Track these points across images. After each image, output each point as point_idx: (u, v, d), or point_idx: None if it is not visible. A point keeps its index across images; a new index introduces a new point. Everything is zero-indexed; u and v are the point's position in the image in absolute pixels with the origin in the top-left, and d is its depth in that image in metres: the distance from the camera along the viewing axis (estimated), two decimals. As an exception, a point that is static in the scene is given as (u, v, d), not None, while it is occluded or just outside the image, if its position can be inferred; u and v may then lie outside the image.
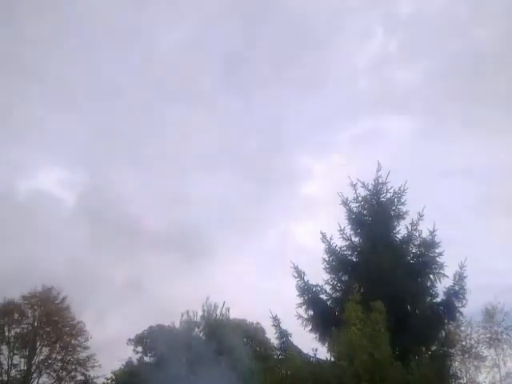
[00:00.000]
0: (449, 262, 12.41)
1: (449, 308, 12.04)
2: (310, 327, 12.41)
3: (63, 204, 51.66)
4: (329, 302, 12.65)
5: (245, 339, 22.66)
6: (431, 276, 12.33)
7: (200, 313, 27.62)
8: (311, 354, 11.29)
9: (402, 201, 12.70)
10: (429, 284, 12.40)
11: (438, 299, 12.32)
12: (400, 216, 12.68)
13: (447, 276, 12.23)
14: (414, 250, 12.61)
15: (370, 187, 12.90)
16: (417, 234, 12.50)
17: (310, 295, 12.61)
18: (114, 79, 44.10)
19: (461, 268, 12.05)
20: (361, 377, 8.90)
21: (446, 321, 12.25)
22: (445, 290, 12.19)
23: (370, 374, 9.01)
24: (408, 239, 12.54)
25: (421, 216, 12.52)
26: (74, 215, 46.34)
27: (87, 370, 33.07)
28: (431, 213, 12.93)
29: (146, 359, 29.38)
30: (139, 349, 30.70)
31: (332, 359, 10.50)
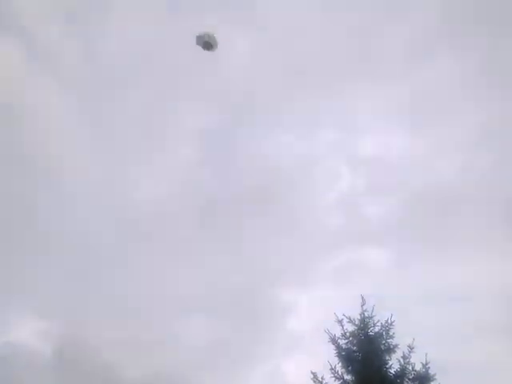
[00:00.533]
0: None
1: None
2: None
3: (39, 355, 49.43)
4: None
5: None
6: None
7: None
8: None
9: (391, 334, 12.62)
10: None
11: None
12: (391, 350, 12.51)
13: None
14: (409, 385, 12.33)
15: (357, 322, 12.86)
16: (410, 368, 12.24)
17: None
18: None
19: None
20: None
21: None
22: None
23: None
24: (402, 373, 12.24)
25: (411, 348, 12.38)
26: (50, 366, 44.15)
27: None
28: (422, 340, 12.91)
29: None
30: None
31: None
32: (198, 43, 11.39)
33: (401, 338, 12.69)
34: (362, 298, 13.11)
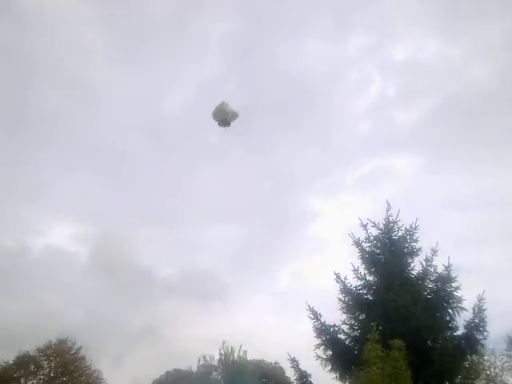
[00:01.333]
0: (467, 292, 12.48)
1: (470, 341, 12.00)
2: (330, 367, 12.37)
3: (77, 257, 52.67)
4: (347, 342, 12.64)
5: (264, 380, 22.39)
6: (449, 310, 12.32)
7: (217, 357, 27.62)
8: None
9: (415, 238, 12.85)
10: (448, 318, 12.37)
11: (459, 332, 12.29)
12: (414, 253, 12.80)
13: (466, 309, 12.24)
14: (430, 286, 12.65)
15: (381, 226, 13.10)
16: (432, 270, 12.60)
17: (327, 336, 12.64)
18: (124, 139, 45.32)
19: (479, 301, 12.05)
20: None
21: (468, 353, 12.11)
22: (465, 324, 12.17)
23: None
24: (423, 275, 12.62)
25: (434, 252, 12.65)
26: (88, 268, 47.12)
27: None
28: (445, 245, 13.14)
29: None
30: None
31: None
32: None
33: (424, 242, 12.96)
34: (388, 203, 13.21)
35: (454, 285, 12.30)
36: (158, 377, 30.81)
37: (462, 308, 12.27)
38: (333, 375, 12.42)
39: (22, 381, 32.61)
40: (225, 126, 16.21)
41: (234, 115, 16.06)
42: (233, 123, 15.98)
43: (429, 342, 12.05)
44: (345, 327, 12.80)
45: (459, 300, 12.26)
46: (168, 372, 29.23)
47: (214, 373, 27.90)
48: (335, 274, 13.05)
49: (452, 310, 12.32)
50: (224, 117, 15.83)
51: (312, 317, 12.73)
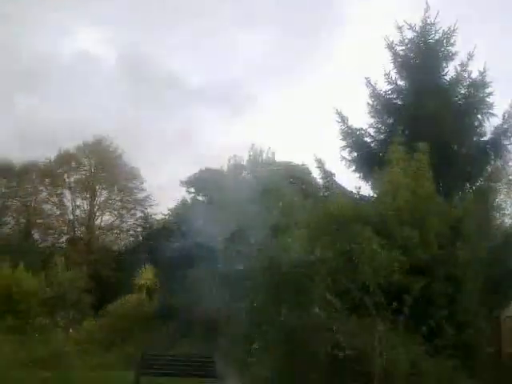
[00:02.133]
0: (500, 98, 12.36)
1: (496, 146, 12.18)
2: (354, 168, 12.97)
3: (108, 62, 52.09)
4: (372, 145, 12.99)
5: (291, 179, 23.71)
6: (479, 116, 12.28)
7: (246, 157, 28.91)
8: (355, 192, 11.97)
9: (452, 41, 12.20)
10: (476, 124, 12.39)
11: (486, 138, 12.43)
12: (449, 57, 12.31)
13: (496, 115, 12.20)
14: (462, 91, 12.42)
15: (418, 29, 12.37)
16: (466, 75, 12.25)
17: (353, 138, 12.93)
18: None
19: (511, 107, 11.97)
20: (403, 212, 9.54)
21: (492, 158, 12.38)
22: (493, 129, 12.25)
23: (412, 210, 9.64)
24: (456, 80, 12.33)
25: (471, 56, 12.12)
26: (119, 73, 46.90)
27: (145, 209, 36.16)
28: (482, 52, 12.57)
29: (199, 198, 31.61)
30: (192, 190, 32.91)
31: (375, 197, 11.14)
32: None
33: (461, 47, 12.39)
34: (427, 3, 12.26)
35: (486, 91, 12.07)
36: (191, 175, 32.94)
37: (492, 114, 12.20)
38: (356, 175, 13.17)
39: (66, 176, 35.40)
40: None
41: None
42: None
43: (454, 146, 12.35)
44: (371, 131, 13.04)
45: (490, 106, 12.13)
46: (201, 170, 31.08)
47: (244, 172, 29.52)
48: (365, 78, 12.84)
49: (482, 116, 12.26)
50: None
51: (339, 120, 12.91)
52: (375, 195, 11.24)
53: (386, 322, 7.86)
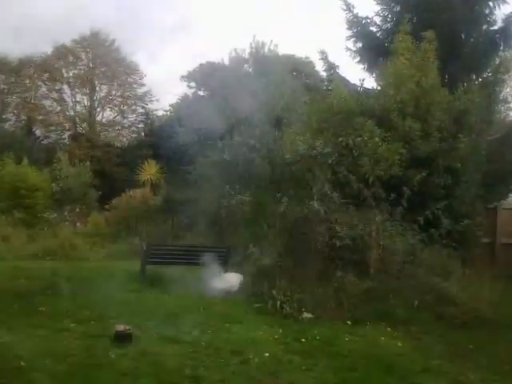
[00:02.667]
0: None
1: (506, 35, 11.73)
2: (359, 59, 12.60)
3: None
4: (378, 34, 12.51)
5: (294, 73, 23.10)
6: (490, 3, 11.70)
7: (248, 50, 27.88)
8: (358, 84, 11.70)
9: None
10: (487, 11, 11.81)
11: (495, 27, 11.91)
12: None
13: (507, 3, 11.63)
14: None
15: None
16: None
17: (359, 28, 12.42)
18: None
19: (524, -6, 11.29)
20: (406, 104, 9.37)
21: (501, 49, 11.98)
22: (503, 18, 11.71)
23: (416, 101, 9.46)
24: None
25: None
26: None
27: (146, 104, 35.67)
28: None
29: (200, 93, 31.02)
30: (192, 84, 32.17)
31: (379, 89, 10.90)
32: None
33: None
34: None
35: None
36: (192, 69, 32.06)
37: (504, 1, 11.63)
38: (360, 67, 12.80)
39: (64, 71, 34.52)
40: None
41: None
42: None
43: (462, 35, 11.86)
44: (377, 19, 12.50)
45: (502, -7, 11.43)
46: (202, 64, 30.19)
47: (246, 65, 28.65)
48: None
49: (492, 3, 11.70)
50: None
51: (345, 8, 12.33)
52: (379, 88, 10.97)
53: (383, 214, 8.02)
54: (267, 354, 5.15)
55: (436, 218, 8.32)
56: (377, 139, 8.82)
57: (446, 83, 10.45)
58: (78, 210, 18.91)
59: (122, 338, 5.13)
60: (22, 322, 5.58)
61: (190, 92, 32.36)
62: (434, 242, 8.29)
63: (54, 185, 17.38)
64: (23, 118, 34.61)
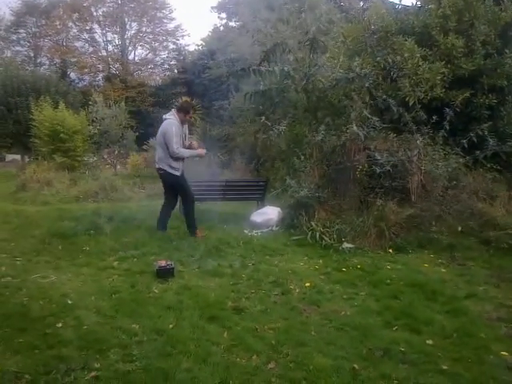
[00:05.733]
0: None
1: None
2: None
3: None
4: None
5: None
6: None
7: (278, -27, 26.56)
8: (396, 2, 10.99)
9: None
10: None
11: None
12: None
13: None
14: None
15: None
16: None
17: None
18: None
19: None
20: (449, 18, 8.73)
21: None
22: None
23: (459, 15, 8.80)
24: None
25: None
26: None
27: (177, 40, 35.03)
28: None
29: (231, 24, 30.17)
30: (223, 15, 31.28)
31: (418, 4, 10.18)
32: None
33: None
34: None
35: None
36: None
37: None
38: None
39: (93, 9, 34.02)
40: None
41: None
42: None
43: None
44: None
45: None
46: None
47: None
48: None
49: None
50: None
51: None
52: (418, 3, 10.24)
53: (425, 138, 7.69)
54: (308, 284, 5.14)
55: (481, 139, 7.90)
56: (417, 58, 8.32)
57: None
58: (116, 152, 19.10)
59: (165, 274, 5.21)
60: (66, 261, 5.73)
61: (221, 23, 31.46)
62: (478, 165, 7.95)
63: (91, 127, 17.48)
64: (57, 61, 34.72)
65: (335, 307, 4.59)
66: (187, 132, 7.22)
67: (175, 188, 7.14)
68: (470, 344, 3.87)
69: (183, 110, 6.95)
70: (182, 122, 6.95)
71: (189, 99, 6.90)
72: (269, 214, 7.94)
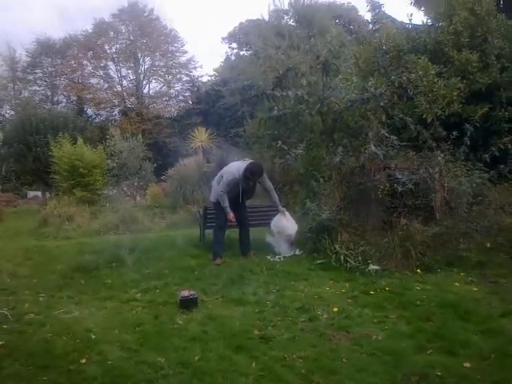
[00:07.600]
0: None
1: None
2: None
3: None
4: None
5: (336, 20, 22.18)
6: None
7: (287, 1, 27.01)
8: (406, 21, 11.01)
9: None
10: None
11: None
12: None
13: None
14: None
15: None
16: None
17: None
18: None
19: None
20: (461, 34, 8.71)
21: None
22: None
23: (471, 30, 8.77)
24: None
25: None
26: None
27: (190, 71, 35.60)
28: None
29: (242, 53, 30.57)
30: (234, 45, 31.76)
31: (429, 22, 10.18)
32: None
33: None
34: None
35: None
36: (231, 29, 31.54)
37: None
38: (407, 1, 12.01)
39: (106, 47, 34.85)
40: None
41: None
42: None
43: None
44: None
45: None
46: (241, 23, 29.63)
47: (286, 17, 27.82)
48: None
49: None
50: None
51: None
52: (429, 21, 10.24)
53: (445, 154, 7.55)
54: (336, 309, 5.00)
55: (503, 153, 7.73)
56: (432, 76, 8.25)
57: (502, 7, 9.62)
58: (135, 183, 19.22)
59: (188, 304, 5.12)
60: (89, 296, 5.69)
61: (232, 53, 31.92)
62: (502, 180, 7.77)
63: (109, 161, 17.65)
64: (73, 98, 35.48)
65: (365, 332, 4.43)
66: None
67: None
68: (509, 365, 3.69)
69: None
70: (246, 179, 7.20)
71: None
72: (286, 228, 7.75)
